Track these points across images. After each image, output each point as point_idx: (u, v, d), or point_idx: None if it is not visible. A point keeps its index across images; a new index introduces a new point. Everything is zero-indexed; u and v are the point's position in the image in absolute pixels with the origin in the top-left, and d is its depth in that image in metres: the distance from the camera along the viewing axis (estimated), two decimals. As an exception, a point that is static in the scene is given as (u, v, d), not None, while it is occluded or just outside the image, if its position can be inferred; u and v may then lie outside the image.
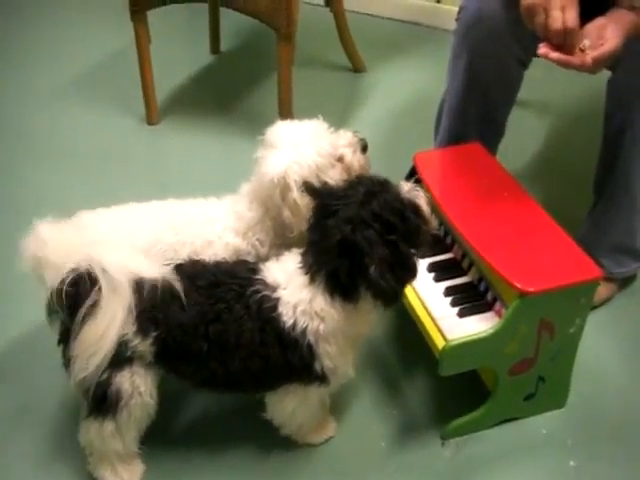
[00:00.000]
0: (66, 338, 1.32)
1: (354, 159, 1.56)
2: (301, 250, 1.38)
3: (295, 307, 1.34)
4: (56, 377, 1.50)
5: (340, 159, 1.55)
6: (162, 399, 1.42)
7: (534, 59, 1.87)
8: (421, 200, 1.36)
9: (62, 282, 1.29)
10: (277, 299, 1.35)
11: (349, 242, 1.27)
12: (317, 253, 1.33)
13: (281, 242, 1.55)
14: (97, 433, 1.40)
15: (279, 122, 1.59)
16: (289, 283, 1.36)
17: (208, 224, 1.56)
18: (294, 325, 1.34)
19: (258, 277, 1.38)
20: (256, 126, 2.53)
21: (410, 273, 1.33)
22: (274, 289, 1.36)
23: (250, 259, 1.53)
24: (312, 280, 1.33)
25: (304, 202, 1.46)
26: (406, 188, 1.35)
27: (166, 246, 1.51)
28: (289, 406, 1.46)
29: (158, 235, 1.52)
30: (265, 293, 1.35)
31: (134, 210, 1.58)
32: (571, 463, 1.55)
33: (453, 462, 1.55)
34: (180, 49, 3.11)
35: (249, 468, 1.54)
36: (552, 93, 2.68)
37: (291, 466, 1.55)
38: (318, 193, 1.38)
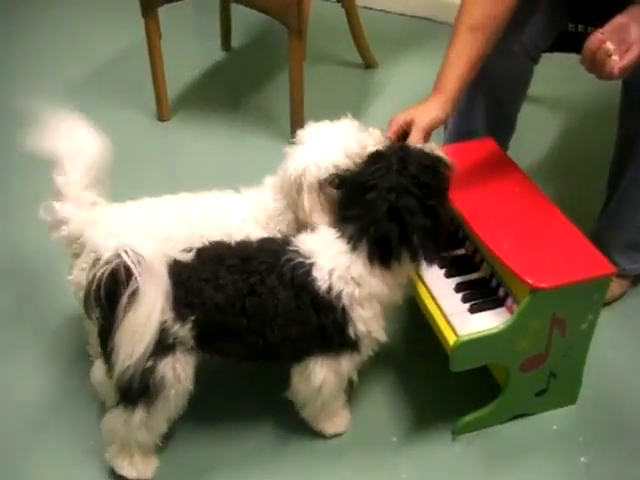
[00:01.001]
0: (106, 332, 1.32)
1: None
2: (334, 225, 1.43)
3: (331, 272, 1.38)
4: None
5: None
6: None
7: (547, 55, 1.87)
8: (440, 151, 1.45)
9: (97, 277, 1.28)
10: (311, 264, 1.38)
11: (397, 209, 1.34)
12: (360, 224, 1.37)
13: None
14: (125, 422, 1.40)
15: (311, 123, 1.58)
16: (325, 250, 1.40)
17: (225, 216, 1.56)
18: (329, 289, 1.37)
19: (291, 247, 1.41)
20: (267, 122, 2.55)
21: (446, 234, 1.43)
22: (308, 256, 1.39)
23: None
24: (354, 248, 1.38)
25: (312, 204, 1.49)
26: (426, 147, 1.44)
27: (181, 240, 1.50)
28: (318, 378, 1.45)
29: (172, 230, 1.52)
30: (299, 260, 1.39)
31: (148, 205, 1.59)
32: (582, 459, 1.55)
33: (464, 457, 1.55)
34: (191, 45, 3.11)
35: (260, 458, 1.56)
36: (565, 89, 2.67)
37: (302, 459, 1.56)
38: (344, 182, 1.44)
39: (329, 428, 1.58)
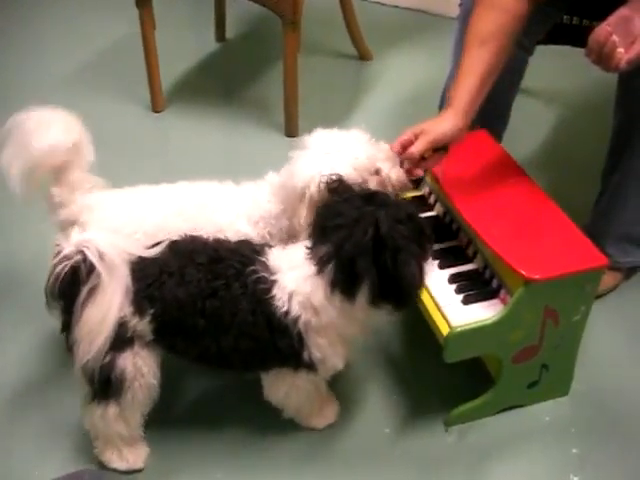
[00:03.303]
0: (68, 325, 1.33)
1: (392, 173, 1.51)
2: (308, 242, 1.38)
3: (291, 295, 1.34)
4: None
5: (377, 172, 1.51)
6: (164, 382, 1.43)
7: (541, 47, 1.87)
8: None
9: (57, 271, 1.29)
10: (273, 282, 1.34)
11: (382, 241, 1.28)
12: (331, 249, 1.31)
13: (289, 241, 1.53)
14: (101, 417, 1.41)
15: (319, 129, 1.55)
16: (291, 270, 1.36)
17: (219, 210, 1.54)
18: (287, 312, 1.34)
19: (260, 258, 1.38)
20: (261, 113, 2.54)
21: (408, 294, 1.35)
22: (273, 272, 1.36)
23: None
24: (319, 272, 1.32)
25: (308, 218, 1.46)
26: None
27: (174, 231, 1.49)
28: (281, 389, 1.46)
29: (166, 220, 1.51)
30: (263, 274, 1.35)
31: (144, 192, 1.58)
32: (574, 451, 1.55)
33: (456, 449, 1.56)
34: (185, 36, 3.10)
35: (250, 450, 1.55)
36: (560, 82, 2.67)
37: (293, 450, 1.56)
38: (336, 191, 1.40)
39: (318, 423, 1.58)
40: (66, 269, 1.28)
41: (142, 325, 1.35)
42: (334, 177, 1.42)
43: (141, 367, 1.37)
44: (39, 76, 2.79)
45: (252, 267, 1.36)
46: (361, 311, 1.35)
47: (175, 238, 1.42)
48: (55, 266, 1.29)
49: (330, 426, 1.59)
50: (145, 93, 2.59)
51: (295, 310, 1.34)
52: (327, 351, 1.38)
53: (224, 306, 1.34)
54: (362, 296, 1.32)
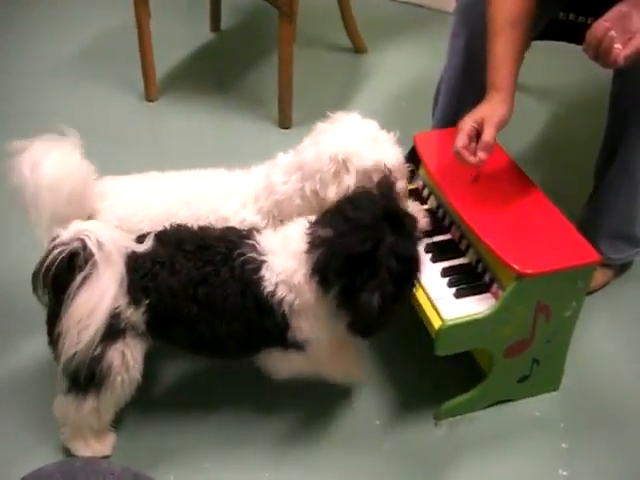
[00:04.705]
0: (54, 316, 1.31)
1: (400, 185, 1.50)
2: (312, 218, 1.37)
3: (278, 275, 1.33)
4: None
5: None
6: (147, 371, 1.43)
7: (536, 43, 1.87)
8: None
9: (52, 256, 1.28)
10: (262, 262, 1.34)
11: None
12: (332, 236, 1.30)
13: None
14: (76, 410, 1.40)
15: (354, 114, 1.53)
16: (283, 249, 1.35)
17: (223, 198, 1.53)
18: (273, 292, 1.33)
19: (248, 241, 1.37)
20: (255, 104, 2.53)
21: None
22: (263, 252, 1.35)
23: None
24: (309, 251, 1.32)
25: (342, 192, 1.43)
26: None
27: (180, 220, 1.48)
28: (278, 368, 1.47)
29: (172, 209, 1.50)
30: (250, 255, 1.35)
31: (152, 180, 1.57)
32: (563, 445, 1.56)
33: (446, 442, 1.56)
34: (180, 26, 3.08)
35: (237, 440, 1.55)
36: (554, 78, 2.68)
37: (283, 441, 1.56)
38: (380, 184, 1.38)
39: (340, 377, 1.57)
40: (63, 254, 1.27)
41: (136, 316, 1.34)
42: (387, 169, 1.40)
43: (128, 360, 1.36)
44: (33, 66, 2.78)
45: (239, 250, 1.35)
46: (330, 307, 1.34)
47: (160, 229, 1.41)
48: (50, 250, 1.28)
49: (320, 416, 1.59)
50: (139, 82, 2.58)
51: (280, 291, 1.33)
52: (309, 334, 1.38)
53: (215, 292, 1.34)
54: (333, 295, 1.31)
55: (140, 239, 1.37)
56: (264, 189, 1.53)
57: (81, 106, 2.52)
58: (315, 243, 1.31)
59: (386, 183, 1.38)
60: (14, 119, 2.46)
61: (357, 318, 1.32)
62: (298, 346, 1.40)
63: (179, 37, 2.97)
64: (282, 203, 1.50)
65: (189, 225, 1.44)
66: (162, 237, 1.38)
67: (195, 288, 1.34)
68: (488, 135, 1.48)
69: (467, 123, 1.51)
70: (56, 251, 1.28)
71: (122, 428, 1.54)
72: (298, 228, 1.37)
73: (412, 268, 1.33)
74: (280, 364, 1.46)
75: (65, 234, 1.30)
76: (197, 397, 1.63)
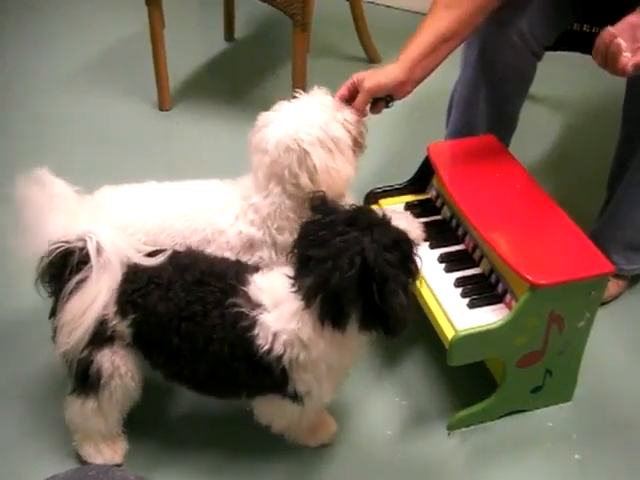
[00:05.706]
0: (53, 311, 1.35)
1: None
2: (290, 271, 1.30)
3: (276, 335, 1.27)
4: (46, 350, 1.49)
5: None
6: (152, 381, 1.43)
7: (550, 54, 1.87)
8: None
9: (51, 252, 1.31)
10: (255, 320, 1.29)
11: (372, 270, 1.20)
12: (318, 279, 1.23)
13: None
14: (79, 410, 1.41)
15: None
16: (275, 307, 1.29)
17: (219, 211, 1.51)
18: (270, 350, 1.28)
19: (243, 288, 1.31)
20: (269, 114, 2.50)
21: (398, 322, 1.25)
22: (254, 308, 1.30)
23: (265, 248, 1.50)
24: (307, 306, 1.25)
25: (324, 165, 1.42)
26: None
27: (175, 233, 1.48)
28: (266, 412, 1.43)
29: (168, 221, 1.50)
30: (242, 310, 1.29)
31: (147, 192, 1.56)
32: (576, 457, 1.55)
33: (458, 453, 1.56)
34: (194, 35, 3.11)
35: (249, 454, 1.54)
36: (568, 89, 2.67)
37: (294, 451, 1.55)
38: (321, 209, 1.31)
39: (312, 442, 1.54)
40: (60, 250, 1.29)
41: (122, 327, 1.34)
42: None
43: (119, 366, 1.36)
44: (47, 72, 2.80)
45: (232, 299, 1.30)
46: (353, 339, 1.29)
47: (178, 249, 1.41)
48: (52, 244, 1.31)
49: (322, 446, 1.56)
50: (153, 92, 2.59)
51: (279, 348, 1.28)
52: (313, 385, 1.32)
53: (198, 332, 1.31)
54: (352, 325, 1.26)
55: (154, 254, 1.37)
56: (249, 207, 1.50)
57: (95, 115, 2.54)
58: (309, 296, 1.24)
59: (317, 199, 1.33)
60: (27, 126, 2.49)
61: (394, 322, 1.24)
62: (295, 398, 1.35)
63: (193, 47, 2.99)
64: (274, 212, 1.49)
65: (205, 252, 1.43)
66: (173, 258, 1.36)
67: (179, 322, 1.31)
68: (357, 102, 1.54)
69: (350, 80, 1.57)
70: (54, 246, 1.31)
71: (132, 438, 1.53)
72: (282, 283, 1.29)
73: (405, 246, 1.26)
74: (269, 408, 1.41)
75: (71, 232, 1.32)
76: (205, 405, 1.61)
